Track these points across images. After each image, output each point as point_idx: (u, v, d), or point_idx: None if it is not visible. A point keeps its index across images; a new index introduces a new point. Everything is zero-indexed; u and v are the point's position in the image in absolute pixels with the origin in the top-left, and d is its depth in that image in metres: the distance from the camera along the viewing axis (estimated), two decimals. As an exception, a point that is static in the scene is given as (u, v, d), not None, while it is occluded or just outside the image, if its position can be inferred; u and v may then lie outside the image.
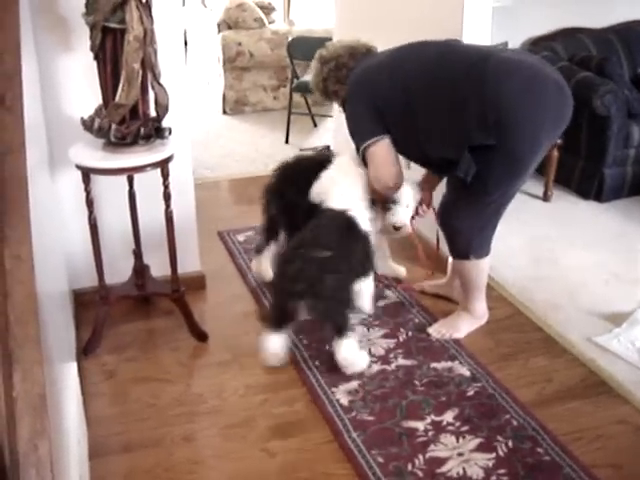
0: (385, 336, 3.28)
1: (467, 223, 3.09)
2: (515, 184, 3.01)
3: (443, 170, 3.17)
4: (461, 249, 3.19)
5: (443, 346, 3.22)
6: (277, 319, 3.03)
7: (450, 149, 2.94)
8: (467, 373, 3.03)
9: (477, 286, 3.28)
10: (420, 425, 2.73)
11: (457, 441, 2.66)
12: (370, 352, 3.16)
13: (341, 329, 2.94)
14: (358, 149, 3.14)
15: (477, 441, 2.66)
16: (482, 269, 3.23)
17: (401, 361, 3.10)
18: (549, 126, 2.92)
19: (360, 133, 3.14)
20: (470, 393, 2.91)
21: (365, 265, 3.21)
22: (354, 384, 2.96)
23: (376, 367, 3.07)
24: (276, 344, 3.04)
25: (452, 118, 2.90)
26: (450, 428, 2.72)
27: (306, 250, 2.94)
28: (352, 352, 2.98)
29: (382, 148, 3.08)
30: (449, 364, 3.09)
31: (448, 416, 2.78)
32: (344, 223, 3.11)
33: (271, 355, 3.06)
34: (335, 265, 2.93)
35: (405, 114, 3.01)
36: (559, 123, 2.97)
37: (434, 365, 3.08)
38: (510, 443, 2.64)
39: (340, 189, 3.20)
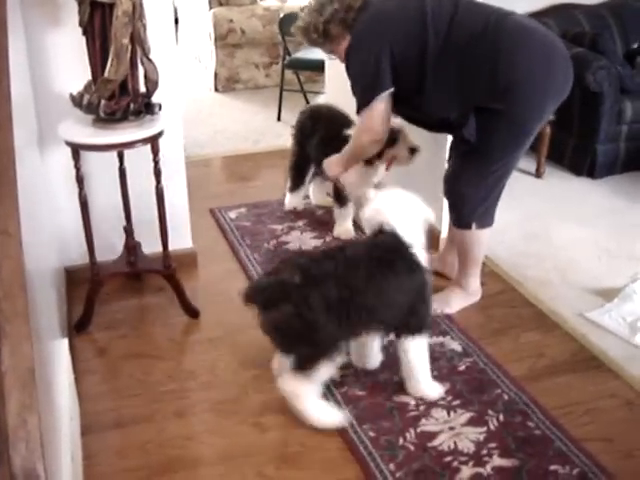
0: (377, 312, 3.28)
1: (471, 191, 3.10)
2: (518, 152, 3.02)
3: (437, 129, 3.18)
4: (464, 218, 3.18)
5: (435, 321, 3.21)
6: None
7: (454, 107, 2.95)
8: (459, 348, 3.04)
9: (475, 261, 3.29)
10: (411, 400, 2.74)
11: (448, 415, 2.67)
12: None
13: (297, 365, 2.55)
14: (364, 101, 3.02)
15: (468, 415, 2.67)
16: (482, 242, 3.24)
17: (392, 336, 3.09)
18: (554, 96, 2.98)
19: (373, 83, 2.98)
20: (461, 368, 2.93)
21: (412, 318, 2.71)
22: (345, 359, 2.95)
23: (368, 343, 3.07)
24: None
25: (463, 74, 2.90)
26: (441, 402, 2.73)
27: (286, 266, 2.59)
28: (296, 389, 2.58)
29: (386, 101, 3.02)
30: (441, 339, 3.10)
31: (439, 391, 2.80)
32: (359, 257, 2.62)
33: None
34: (292, 296, 2.47)
35: (418, 60, 2.92)
36: (561, 94, 3.02)
37: (426, 340, 3.09)
38: (501, 417, 2.66)
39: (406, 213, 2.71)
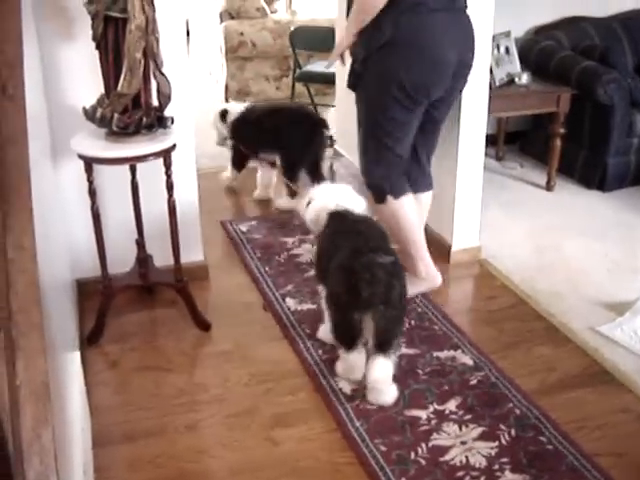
0: (388, 325, 3.28)
1: (373, 167, 3.28)
2: (384, 123, 3.16)
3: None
4: (379, 191, 3.28)
5: (446, 335, 3.22)
6: (349, 336, 2.78)
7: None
8: (470, 362, 3.03)
9: (408, 240, 3.33)
10: (423, 414, 2.73)
11: (460, 430, 2.66)
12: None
13: (391, 345, 2.73)
14: None
15: (480, 430, 2.66)
16: (405, 215, 3.30)
17: (404, 350, 3.09)
18: (411, 82, 3.04)
19: None
20: (473, 382, 2.92)
21: None
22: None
23: (379, 356, 3.07)
24: (359, 362, 2.81)
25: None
26: (453, 417, 2.72)
27: (371, 257, 2.67)
28: (387, 376, 2.76)
29: None
30: (452, 353, 3.09)
31: (451, 405, 2.79)
32: (380, 228, 3.01)
33: (358, 372, 2.84)
34: (399, 270, 2.76)
35: None
36: (421, 85, 3.07)
37: (437, 354, 3.09)
38: (513, 432, 2.64)
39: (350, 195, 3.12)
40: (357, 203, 3.07)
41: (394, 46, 2.98)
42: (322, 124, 4.59)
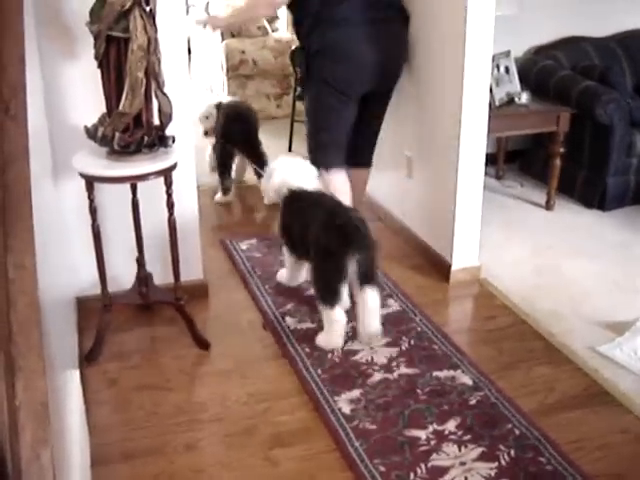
0: (387, 345, 3.28)
1: (315, 147, 3.90)
2: (321, 115, 3.83)
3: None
4: (312, 161, 3.78)
5: (445, 354, 3.21)
6: (337, 283, 3.15)
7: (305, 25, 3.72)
8: (469, 382, 3.03)
9: None
10: (422, 434, 2.73)
11: (459, 450, 2.65)
12: (372, 360, 3.16)
13: (374, 275, 3.20)
14: None
15: (479, 450, 2.65)
16: (335, 186, 3.81)
17: (403, 370, 3.10)
18: (340, 78, 3.69)
19: None
20: (472, 402, 2.91)
21: None
22: (356, 393, 2.95)
23: (378, 376, 3.06)
24: (342, 323, 3.24)
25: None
26: (452, 437, 2.71)
27: (350, 214, 3.23)
28: (377, 305, 3.25)
29: None
30: (451, 373, 3.09)
31: (450, 425, 2.78)
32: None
33: (342, 331, 3.26)
34: (366, 222, 3.24)
35: None
36: (352, 88, 3.75)
37: (436, 374, 3.08)
38: (512, 452, 2.64)
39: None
40: (311, 173, 3.62)
41: (323, 53, 3.65)
42: (247, 111, 5.29)
